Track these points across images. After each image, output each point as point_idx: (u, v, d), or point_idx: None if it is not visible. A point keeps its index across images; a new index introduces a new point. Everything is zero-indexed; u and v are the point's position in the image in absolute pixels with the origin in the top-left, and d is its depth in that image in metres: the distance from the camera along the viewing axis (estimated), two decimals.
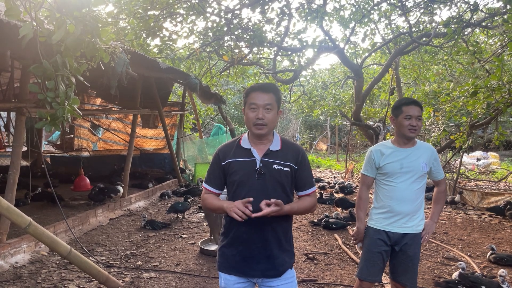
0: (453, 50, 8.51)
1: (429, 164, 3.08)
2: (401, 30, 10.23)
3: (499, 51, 8.00)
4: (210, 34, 8.97)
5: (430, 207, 3.23)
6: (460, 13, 7.77)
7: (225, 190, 2.41)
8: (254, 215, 2.10)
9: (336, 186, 10.64)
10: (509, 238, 6.40)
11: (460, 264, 4.51)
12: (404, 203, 3.06)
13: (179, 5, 8.68)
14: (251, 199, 2.12)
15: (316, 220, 7.05)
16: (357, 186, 11.38)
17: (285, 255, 2.31)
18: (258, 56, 10.79)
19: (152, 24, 8.35)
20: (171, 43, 9.41)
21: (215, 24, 8.87)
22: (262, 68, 11.01)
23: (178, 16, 9.00)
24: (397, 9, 9.20)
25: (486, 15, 7.56)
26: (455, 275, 4.48)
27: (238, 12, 8.75)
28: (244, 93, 2.35)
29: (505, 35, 7.80)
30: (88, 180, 9.15)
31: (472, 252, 5.68)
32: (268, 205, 2.12)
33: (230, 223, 2.31)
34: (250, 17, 11.62)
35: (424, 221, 3.14)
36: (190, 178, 11.20)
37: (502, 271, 4.14)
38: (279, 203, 2.12)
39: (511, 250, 5.76)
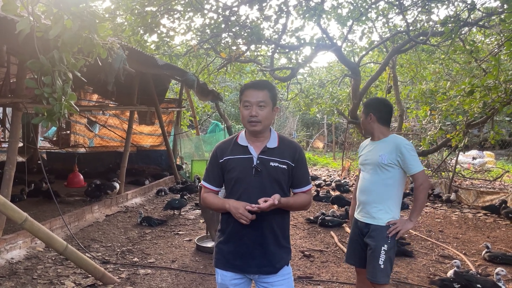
0: (450, 49, 8.53)
1: (391, 157, 3.10)
2: (398, 29, 10.24)
3: (495, 50, 8.03)
4: (208, 31, 8.94)
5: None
6: (458, 12, 7.78)
7: (224, 187, 2.43)
8: (254, 206, 2.14)
9: (333, 184, 10.66)
10: (504, 237, 6.44)
11: (455, 262, 4.54)
12: (363, 192, 3.28)
13: (176, 1, 8.65)
14: (252, 208, 2.15)
15: (312, 218, 7.07)
16: (353, 184, 11.41)
17: (282, 251, 2.32)
18: (255, 53, 10.78)
19: (149, 21, 8.31)
20: (168, 39, 9.37)
21: (212, 21, 8.84)
22: (259, 66, 10.99)
23: (175, 12, 8.96)
24: (395, 7, 9.20)
25: (483, 14, 7.57)
26: (450, 273, 4.51)
27: (236, 9, 8.73)
28: (239, 91, 2.36)
29: (502, 35, 7.82)
30: (82, 177, 9.13)
31: (467, 250, 5.71)
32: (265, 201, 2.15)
33: (227, 219, 2.32)
34: (248, 14, 11.59)
35: (390, 216, 3.16)
36: (187, 175, 11.19)
37: (501, 270, 4.14)
38: (275, 198, 2.14)
39: (506, 248, 5.80)
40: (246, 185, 2.25)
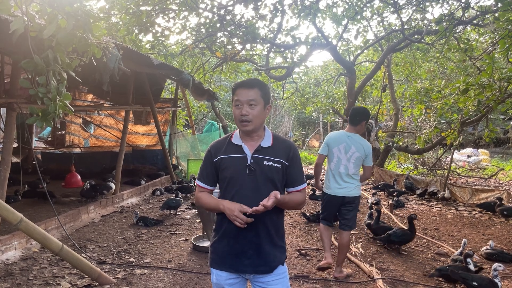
0: (445, 47, 8.58)
1: None
2: (393, 28, 10.28)
3: (490, 48, 8.07)
4: (203, 30, 8.94)
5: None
6: (452, 11, 7.82)
7: (218, 186, 2.42)
8: (250, 210, 2.12)
9: None
10: (499, 234, 6.48)
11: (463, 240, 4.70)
12: None
13: (171, 0, 8.64)
14: (248, 210, 2.13)
15: (308, 215, 7.05)
16: None
17: (276, 250, 2.31)
18: (251, 52, 10.80)
19: (144, 20, 8.31)
20: (163, 39, 9.37)
21: (208, 20, 8.84)
22: (255, 65, 11.00)
23: (170, 12, 8.95)
24: (390, 6, 9.24)
25: (478, 13, 7.61)
26: (456, 253, 4.90)
27: (231, 8, 8.74)
28: (231, 91, 2.35)
29: (496, 33, 7.87)
30: (79, 177, 9.10)
31: (460, 248, 5.72)
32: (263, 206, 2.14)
33: (221, 219, 2.31)
34: (243, 14, 11.55)
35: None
36: (183, 174, 11.18)
37: (498, 265, 4.10)
38: (276, 194, 2.13)
39: (500, 245, 5.83)
40: (240, 184, 2.24)
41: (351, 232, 6.25)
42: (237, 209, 2.14)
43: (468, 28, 10.05)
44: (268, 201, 2.10)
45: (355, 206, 4.53)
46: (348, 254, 5.26)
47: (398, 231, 5.49)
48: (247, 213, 2.14)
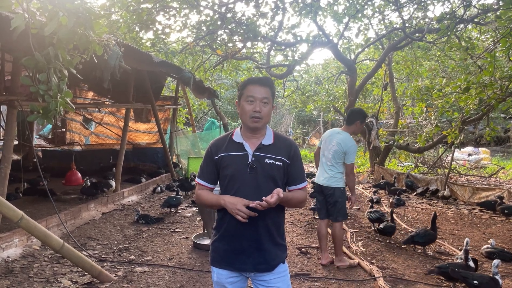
0: (446, 46, 8.56)
1: None
2: (394, 26, 10.25)
3: (491, 47, 8.06)
4: (204, 28, 8.93)
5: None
6: (453, 9, 7.80)
7: (218, 184, 2.41)
8: (253, 203, 2.11)
9: None
10: (499, 233, 6.47)
11: (466, 240, 4.65)
12: None
13: None
14: (251, 204, 2.13)
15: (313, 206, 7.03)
16: None
17: (277, 249, 2.30)
18: (251, 50, 10.78)
19: (145, 18, 8.29)
20: (164, 36, 9.36)
21: (208, 18, 8.83)
22: (255, 63, 10.99)
23: (171, 9, 8.94)
24: (391, 4, 9.22)
25: (479, 11, 7.60)
26: (461, 254, 4.82)
27: (232, 6, 8.72)
28: (240, 86, 2.33)
29: (497, 31, 7.84)
30: (79, 175, 9.10)
31: (463, 247, 5.72)
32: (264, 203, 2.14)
33: (222, 217, 2.30)
34: (244, 11, 11.56)
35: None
36: (183, 172, 11.17)
37: (498, 261, 4.05)
38: (279, 191, 2.12)
39: (501, 244, 5.83)
40: (241, 182, 2.23)
41: (352, 230, 6.28)
42: (239, 202, 2.14)
43: (470, 26, 10.02)
44: (271, 198, 2.10)
45: (334, 198, 4.85)
46: (348, 252, 5.27)
47: (421, 232, 5.38)
48: (249, 207, 2.14)
